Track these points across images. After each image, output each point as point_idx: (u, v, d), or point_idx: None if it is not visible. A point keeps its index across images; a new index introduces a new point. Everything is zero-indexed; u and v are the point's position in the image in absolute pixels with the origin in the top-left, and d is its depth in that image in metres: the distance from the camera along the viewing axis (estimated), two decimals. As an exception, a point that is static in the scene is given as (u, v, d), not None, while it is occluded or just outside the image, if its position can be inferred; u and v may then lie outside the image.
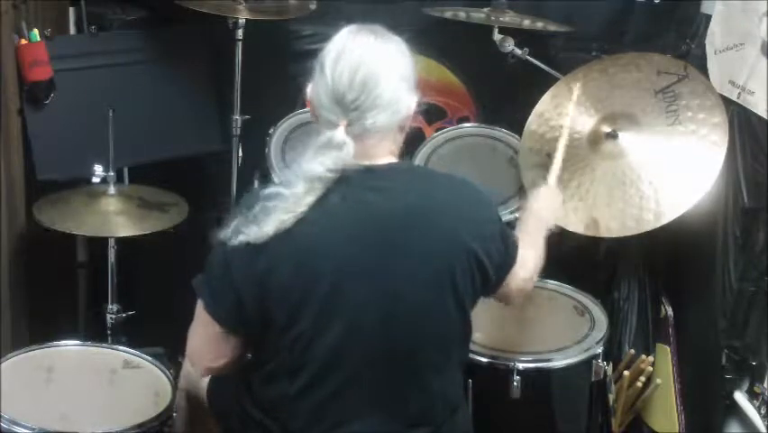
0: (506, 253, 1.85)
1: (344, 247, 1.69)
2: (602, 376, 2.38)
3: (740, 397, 2.53)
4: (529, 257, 1.98)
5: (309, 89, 1.77)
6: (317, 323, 1.69)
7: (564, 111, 2.60)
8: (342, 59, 1.70)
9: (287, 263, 1.68)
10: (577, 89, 2.57)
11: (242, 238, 1.67)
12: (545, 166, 2.57)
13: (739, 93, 2.47)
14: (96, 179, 2.57)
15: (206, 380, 2.07)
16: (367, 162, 1.72)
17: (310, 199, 1.67)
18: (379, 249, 1.70)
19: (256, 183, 2.91)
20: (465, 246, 1.74)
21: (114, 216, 2.53)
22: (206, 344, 1.81)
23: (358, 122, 1.69)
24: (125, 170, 2.86)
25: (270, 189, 1.70)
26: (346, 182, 1.69)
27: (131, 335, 2.67)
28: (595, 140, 2.56)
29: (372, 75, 1.69)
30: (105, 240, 2.60)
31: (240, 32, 2.75)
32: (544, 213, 2.20)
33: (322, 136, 1.70)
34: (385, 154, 1.76)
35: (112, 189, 2.57)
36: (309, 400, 1.75)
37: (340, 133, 1.68)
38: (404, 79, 1.74)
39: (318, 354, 1.71)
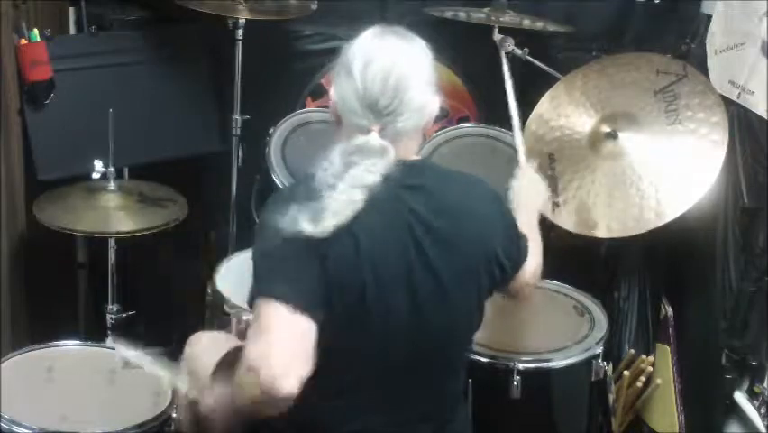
0: (519, 250, 1.86)
1: (378, 246, 1.67)
2: (602, 376, 2.37)
3: (740, 397, 2.53)
4: (533, 250, 1.99)
5: (333, 93, 1.75)
6: (344, 321, 1.66)
7: (563, 112, 2.61)
8: (372, 64, 1.68)
9: (327, 261, 1.63)
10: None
11: (299, 229, 1.58)
12: (545, 167, 2.58)
13: (739, 93, 2.48)
14: (95, 175, 2.56)
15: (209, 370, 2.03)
16: (397, 162, 1.69)
17: (359, 204, 1.63)
18: (411, 248, 1.68)
19: (255, 187, 2.92)
20: (488, 246, 1.75)
21: (113, 211, 2.52)
22: (294, 349, 1.55)
23: (390, 126, 1.69)
24: (125, 170, 2.86)
25: (320, 190, 1.63)
26: (384, 181, 1.66)
27: (131, 335, 2.67)
28: (595, 140, 2.56)
29: (404, 78, 1.68)
30: (105, 240, 2.60)
31: (240, 32, 2.75)
32: (531, 202, 2.18)
33: (355, 140, 1.67)
34: (411, 155, 1.77)
35: (112, 185, 2.57)
36: (322, 395, 1.70)
37: (376, 139, 1.67)
38: (430, 82, 1.75)
39: (338, 352, 1.68)
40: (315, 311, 1.57)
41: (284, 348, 1.53)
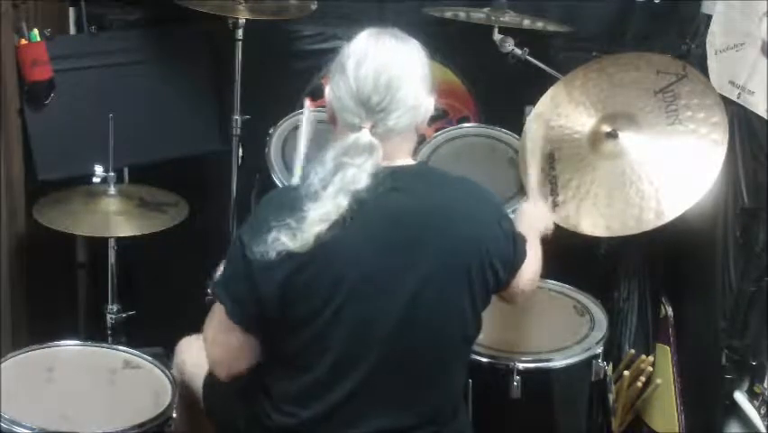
0: (515, 252, 1.86)
1: (368, 248, 1.69)
2: (602, 376, 2.38)
3: (740, 397, 2.53)
4: (531, 259, 1.99)
5: (327, 92, 1.78)
6: (336, 323, 1.69)
7: (563, 111, 2.61)
8: (365, 62, 1.71)
9: (312, 265, 1.67)
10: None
11: (280, 248, 1.65)
12: (545, 166, 2.57)
13: (739, 93, 2.47)
14: (96, 180, 2.57)
15: (202, 377, 2.07)
16: (388, 163, 1.72)
17: (344, 209, 1.66)
18: (401, 250, 1.70)
19: (255, 187, 2.92)
20: (480, 247, 1.75)
21: (113, 216, 2.52)
22: (233, 350, 1.79)
23: (381, 123, 1.71)
24: (125, 170, 2.87)
25: (304, 196, 1.67)
26: (372, 185, 1.68)
27: (131, 335, 2.67)
28: (595, 140, 2.56)
29: (396, 77, 1.71)
30: (105, 240, 2.60)
31: (240, 32, 2.75)
32: (534, 224, 2.21)
33: (346, 138, 1.70)
34: (403, 155, 1.78)
35: (112, 189, 2.57)
36: (322, 400, 1.74)
37: (366, 136, 1.69)
38: (423, 81, 1.76)
39: (334, 353, 1.71)
40: (255, 330, 1.76)
41: (220, 347, 1.81)
